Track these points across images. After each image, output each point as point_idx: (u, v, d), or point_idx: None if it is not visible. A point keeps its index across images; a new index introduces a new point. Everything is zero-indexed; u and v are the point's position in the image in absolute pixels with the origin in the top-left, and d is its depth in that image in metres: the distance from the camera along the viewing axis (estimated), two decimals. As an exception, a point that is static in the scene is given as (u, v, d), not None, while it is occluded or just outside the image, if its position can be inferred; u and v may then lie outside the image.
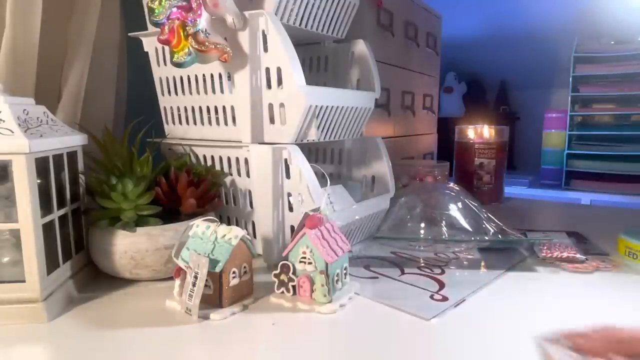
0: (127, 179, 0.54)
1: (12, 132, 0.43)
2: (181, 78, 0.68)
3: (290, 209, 0.61)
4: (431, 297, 0.51)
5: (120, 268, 0.53)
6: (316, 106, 0.60)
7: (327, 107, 0.62)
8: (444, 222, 0.72)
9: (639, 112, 1.69)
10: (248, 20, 0.57)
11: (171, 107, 0.72)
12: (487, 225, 0.72)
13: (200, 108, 0.68)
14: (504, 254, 0.66)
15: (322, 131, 0.63)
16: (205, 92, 0.66)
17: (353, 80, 0.76)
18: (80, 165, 0.55)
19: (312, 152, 0.83)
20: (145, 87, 0.75)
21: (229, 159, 0.66)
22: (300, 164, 0.58)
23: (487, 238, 0.70)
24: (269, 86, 0.59)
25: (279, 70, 0.57)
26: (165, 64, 0.69)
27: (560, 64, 1.96)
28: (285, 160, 0.59)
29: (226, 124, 0.65)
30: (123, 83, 0.80)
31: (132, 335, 0.43)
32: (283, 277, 0.50)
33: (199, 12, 0.54)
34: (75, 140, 0.53)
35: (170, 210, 0.58)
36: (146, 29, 0.68)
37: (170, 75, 0.70)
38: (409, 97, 1.19)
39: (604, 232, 0.76)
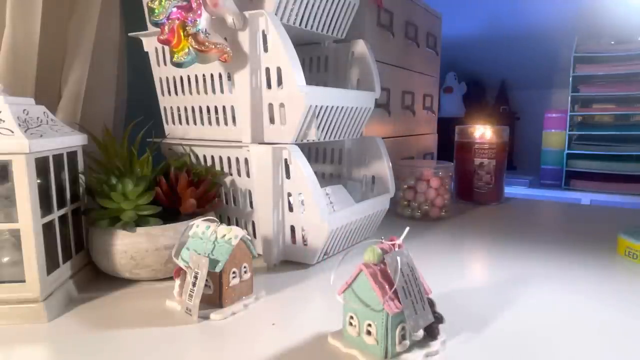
0: (127, 179, 0.54)
1: (12, 132, 0.43)
2: (181, 78, 0.68)
3: (290, 209, 0.61)
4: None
5: (120, 268, 0.53)
6: (316, 106, 0.60)
7: (327, 107, 0.62)
8: None
9: (639, 112, 1.69)
10: (248, 20, 0.57)
11: (171, 107, 0.72)
12: None
13: (200, 108, 0.68)
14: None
15: (322, 131, 0.63)
16: (205, 92, 0.65)
17: (353, 80, 0.76)
18: (80, 165, 0.55)
19: (312, 152, 0.83)
20: (145, 87, 0.75)
21: (229, 159, 0.66)
22: (300, 164, 0.58)
23: None
24: (269, 86, 0.59)
25: (279, 70, 0.57)
26: (165, 64, 0.69)
27: (560, 64, 1.97)
28: (285, 160, 0.59)
29: (226, 124, 0.65)
30: (123, 83, 0.80)
31: (132, 335, 0.43)
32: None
33: (199, 12, 0.54)
34: (75, 140, 0.53)
35: (170, 210, 0.58)
36: (146, 29, 0.68)
37: (170, 75, 0.69)
38: (409, 97, 1.19)
39: (604, 232, 0.76)
